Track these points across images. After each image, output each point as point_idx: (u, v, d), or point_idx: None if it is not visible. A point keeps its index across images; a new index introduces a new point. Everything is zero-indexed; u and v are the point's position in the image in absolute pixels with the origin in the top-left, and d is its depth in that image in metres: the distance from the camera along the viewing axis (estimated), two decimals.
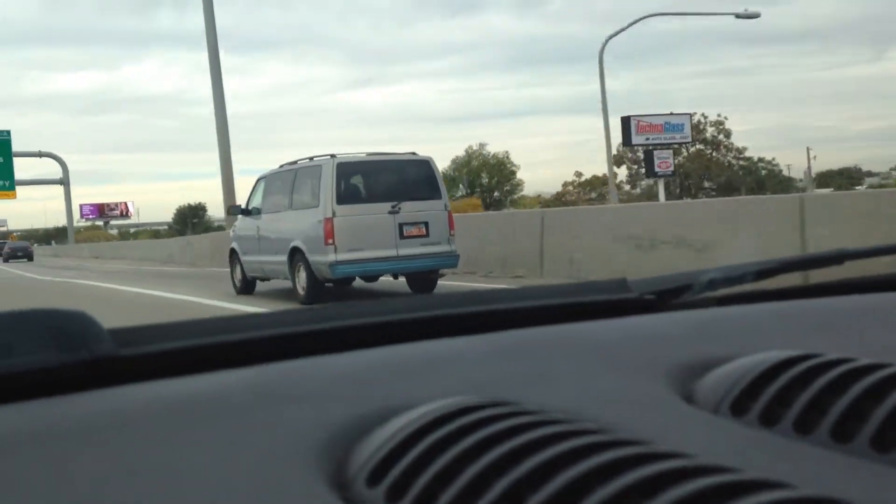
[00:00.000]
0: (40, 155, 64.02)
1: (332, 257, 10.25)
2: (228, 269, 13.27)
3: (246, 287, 12.46)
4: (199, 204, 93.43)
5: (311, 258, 10.51)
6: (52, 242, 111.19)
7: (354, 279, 11.29)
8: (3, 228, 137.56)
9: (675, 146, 39.40)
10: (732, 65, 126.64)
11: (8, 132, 59.41)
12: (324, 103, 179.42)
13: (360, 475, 0.57)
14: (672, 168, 36.73)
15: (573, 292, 1.05)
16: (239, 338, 0.81)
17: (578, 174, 68.74)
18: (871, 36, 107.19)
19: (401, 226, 10.63)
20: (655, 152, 35.06)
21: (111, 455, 0.57)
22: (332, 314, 0.89)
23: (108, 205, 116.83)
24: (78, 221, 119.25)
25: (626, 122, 35.80)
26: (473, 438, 0.56)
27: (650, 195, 55.58)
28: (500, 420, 0.58)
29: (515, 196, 71.04)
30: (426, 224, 10.76)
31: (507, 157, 73.11)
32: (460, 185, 69.99)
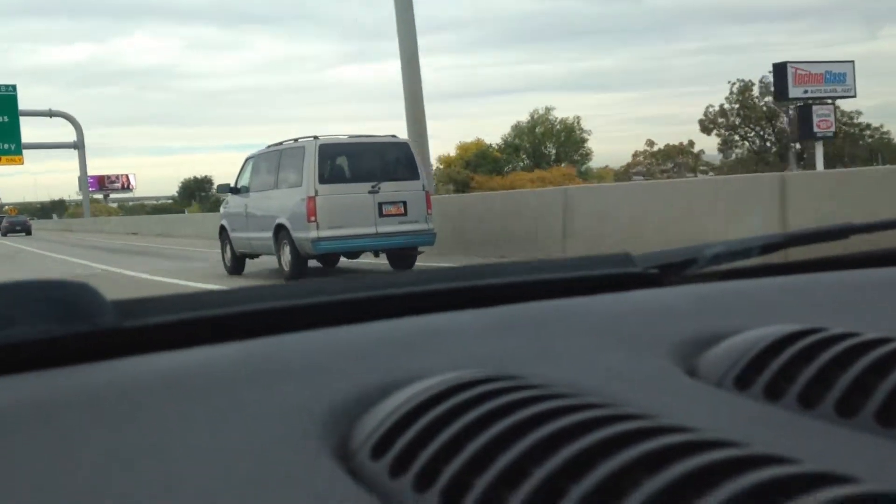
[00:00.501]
0: (50, 114, 57.39)
1: (314, 234, 10.85)
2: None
3: (236, 265, 13.02)
4: (206, 177, 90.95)
5: (295, 235, 11.09)
6: (54, 216, 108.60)
7: (339, 257, 11.91)
8: None
9: (832, 101, 30.48)
10: (730, 42, 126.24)
11: (14, 87, 51.11)
12: (317, 79, 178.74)
13: (364, 448, 0.57)
14: (833, 128, 29.26)
15: (576, 266, 1.05)
16: (242, 310, 0.80)
17: (650, 143, 62.74)
18: (865, 14, 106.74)
19: (380, 205, 11.25)
20: (814, 108, 28.08)
21: (114, 427, 0.58)
22: (336, 287, 0.89)
23: (108, 177, 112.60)
24: (74, 195, 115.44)
25: (780, 70, 28.51)
26: (477, 412, 0.56)
27: (746, 166, 48.92)
28: (503, 394, 0.58)
29: (582, 168, 62.93)
30: (404, 203, 11.38)
31: (578, 124, 64.82)
32: (522, 156, 63.20)
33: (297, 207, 11.11)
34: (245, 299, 0.83)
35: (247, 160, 13.14)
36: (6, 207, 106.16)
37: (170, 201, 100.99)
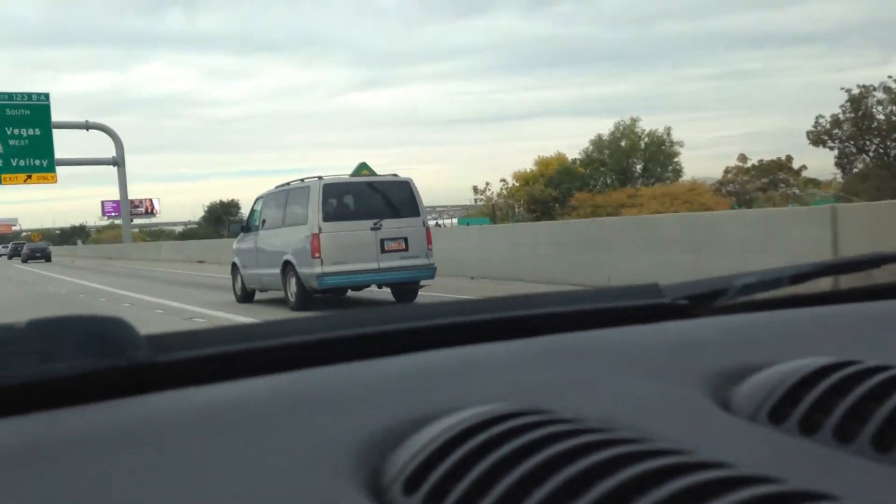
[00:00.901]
0: (87, 127, 49.35)
1: (318, 269, 11.45)
2: None
3: (245, 297, 13.74)
4: (232, 200, 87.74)
5: (301, 270, 11.70)
6: (79, 242, 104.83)
7: (346, 291, 12.44)
8: (15, 227, 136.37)
9: None
10: (741, 67, 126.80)
11: (46, 96, 45.62)
12: (330, 105, 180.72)
13: (397, 482, 0.56)
14: None
15: (606, 297, 1.05)
16: (274, 344, 0.81)
17: (743, 158, 56.24)
18: (878, 40, 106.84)
19: (382, 241, 11.85)
20: None
21: (148, 461, 0.58)
22: (367, 319, 0.89)
23: (132, 202, 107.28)
24: (97, 220, 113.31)
25: None
26: (511, 447, 0.56)
27: (866, 180, 42.51)
28: (537, 428, 0.58)
29: (668, 183, 52.17)
30: (405, 239, 11.97)
31: (668, 135, 56.34)
32: (604, 174, 55.09)
33: (302, 244, 11.71)
34: (278, 333, 0.83)
35: (257, 199, 13.92)
36: (28, 234, 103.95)
37: (195, 226, 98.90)
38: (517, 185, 54.95)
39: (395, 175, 12.69)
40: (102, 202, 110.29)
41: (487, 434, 0.58)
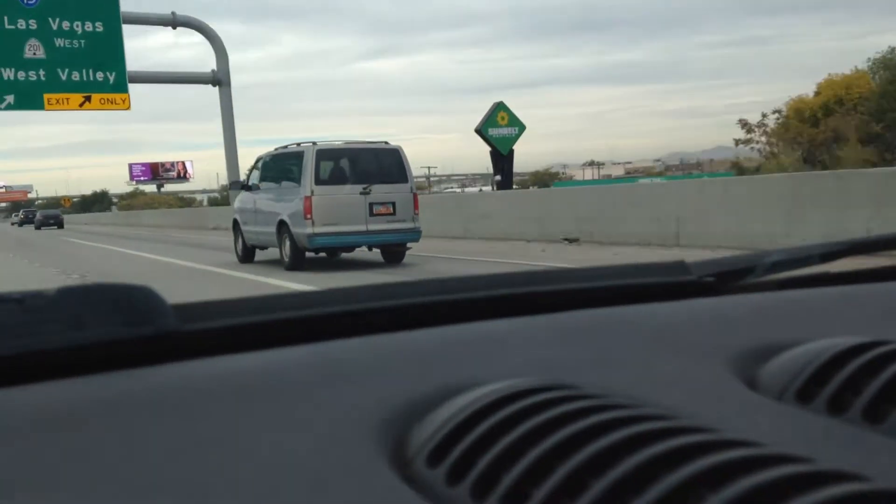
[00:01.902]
0: (174, 23, 27.67)
1: (310, 230, 12.18)
2: None
3: (246, 255, 14.44)
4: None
5: (294, 230, 12.44)
6: (114, 207, 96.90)
7: (339, 252, 13.20)
8: (31, 195, 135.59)
9: None
10: (754, 34, 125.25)
11: None
12: (341, 73, 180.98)
13: (421, 454, 0.57)
14: None
15: (632, 273, 1.04)
16: (300, 314, 0.81)
17: None
18: None
19: (371, 205, 12.53)
20: None
21: (175, 428, 0.59)
22: (395, 292, 0.89)
23: (163, 165, 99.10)
24: (124, 185, 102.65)
25: None
26: (535, 421, 0.56)
27: None
28: (562, 403, 0.58)
29: None
30: (393, 204, 12.64)
31: None
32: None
33: (296, 206, 12.43)
34: (305, 304, 0.84)
35: (257, 160, 14.53)
36: (65, 199, 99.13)
37: (216, 195, 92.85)
38: (790, 118, 39.44)
39: (386, 142, 13.31)
40: (130, 165, 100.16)
41: (512, 408, 0.58)
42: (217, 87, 28.08)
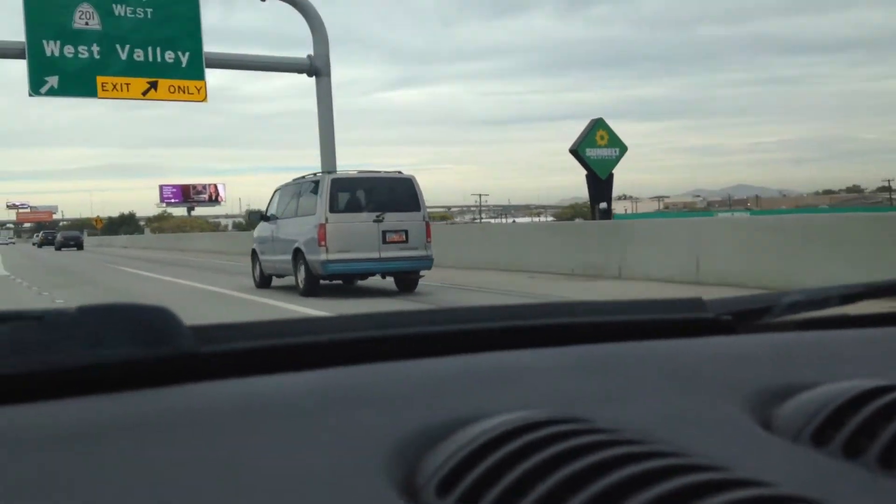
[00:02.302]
0: None
1: (324, 257, 12.56)
2: None
3: (263, 282, 14.83)
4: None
5: (308, 257, 12.83)
6: (146, 230, 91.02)
7: (354, 279, 13.55)
8: (56, 216, 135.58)
9: None
10: (778, 74, 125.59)
11: None
12: (363, 103, 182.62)
13: (430, 484, 0.57)
14: None
15: (649, 309, 1.03)
16: (316, 340, 0.82)
17: None
18: None
19: (384, 232, 12.89)
20: None
21: (190, 449, 0.59)
22: (409, 320, 0.90)
23: (194, 187, 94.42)
24: (154, 208, 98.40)
25: None
26: (546, 454, 0.56)
27: None
28: (573, 436, 0.58)
29: None
30: (406, 232, 13.01)
31: None
32: None
33: (311, 233, 12.83)
34: (321, 329, 0.84)
35: (275, 191, 15.00)
36: (97, 219, 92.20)
37: (241, 220, 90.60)
38: None
39: (400, 172, 13.68)
40: (161, 186, 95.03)
41: (523, 440, 0.58)
42: (314, 77, 20.97)
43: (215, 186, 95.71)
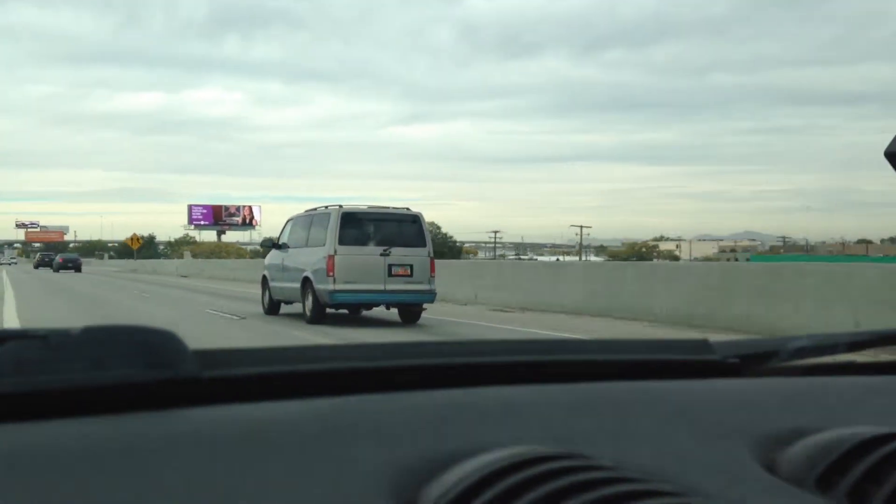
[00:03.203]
0: None
1: (331, 286, 13.05)
2: None
3: (272, 308, 15.29)
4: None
5: (316, 286, 13.32)
6: (186, 254, 77.97)
7: (361, 308, 14.02)
8: (67, 236, 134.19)
9: None
10: (785, 123, 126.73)
11: None
12: (374, 136, 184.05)
13: None
14: None
15: (654, 349, 1.03)
16: (319, 368, 0.82)
17: None
18: None
19: (389, 266, 13.39)
20: None
21: (189, 473, 0.59)
22: (413, 351, 0.90)
23: (226, 209, 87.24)
24: (181, 230, 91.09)
25: None
26: (546, 489, 0.56)
27: None
28: (574, 472, 0.58)
29: None
30: (411, 266, 13.49)
31: None
32: None
33: (320, 263, 13.33)
34: (323, 358, 0.84)
35: (287, 221, 15.60)
36: (135, 238, 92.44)
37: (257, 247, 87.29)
38: None
39: (408, 209, 14.22)
40: (190, 207, 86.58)
41: (522, 475, 0.58)
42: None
43: (250, 208, 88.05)
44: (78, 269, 58.93)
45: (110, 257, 77.94)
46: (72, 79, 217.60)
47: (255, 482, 0.59)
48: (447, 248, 52.36)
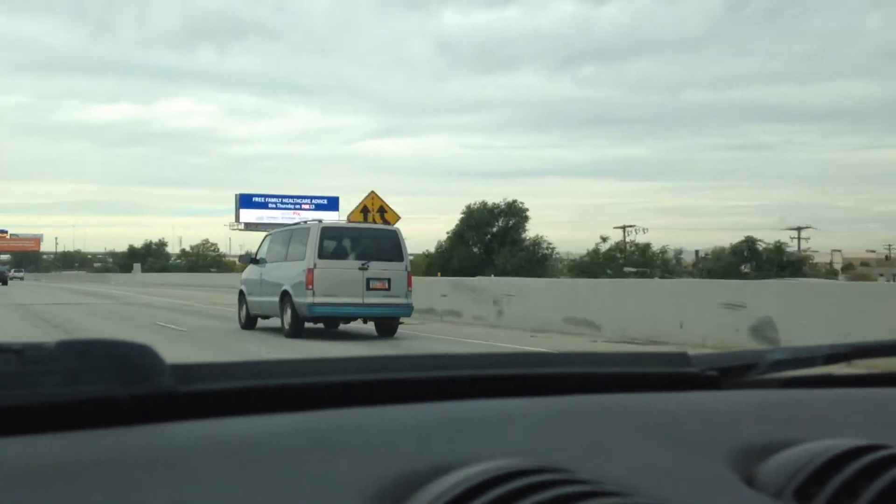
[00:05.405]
0: None
1: (310, 300, 13.13)
2: None
3: (249, 323, 15.32)
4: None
5: (295, 300, 13.40)
6: (212, 270, 72.92)
7: (338, 323, 14.17)
8: (43, 246, 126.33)
9: None
10: (758, 140, 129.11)
11: None
12: (349, 150, 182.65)
13: None
14: None
15: (634, 362, 1.04)
16: (297, 382, 0.81)
17: None
18: None
19: (368, 280, 13.53)
20: None
21: (165, 489, 0.58)
22: (392, 365, 0.89)
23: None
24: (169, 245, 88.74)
25: None
26: (527, 503, 0.56)
27: None
28: (554, 486, 0.58)
29: None
30: (389, 280, 13.64)
31: None
32: None
33: (298, 277, 13.42)
34: (301, 371, 0.84)
35: (266, 236, 15.73)
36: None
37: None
38: None
39: (386, 223, 14.49)
40: (237, 196, 72.94)
41: (504, 488, 0.58)
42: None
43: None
44: (4, 282, 56.79)
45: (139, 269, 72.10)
46: (41, 89, 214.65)
47: (234, 498, 0.58)
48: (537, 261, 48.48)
